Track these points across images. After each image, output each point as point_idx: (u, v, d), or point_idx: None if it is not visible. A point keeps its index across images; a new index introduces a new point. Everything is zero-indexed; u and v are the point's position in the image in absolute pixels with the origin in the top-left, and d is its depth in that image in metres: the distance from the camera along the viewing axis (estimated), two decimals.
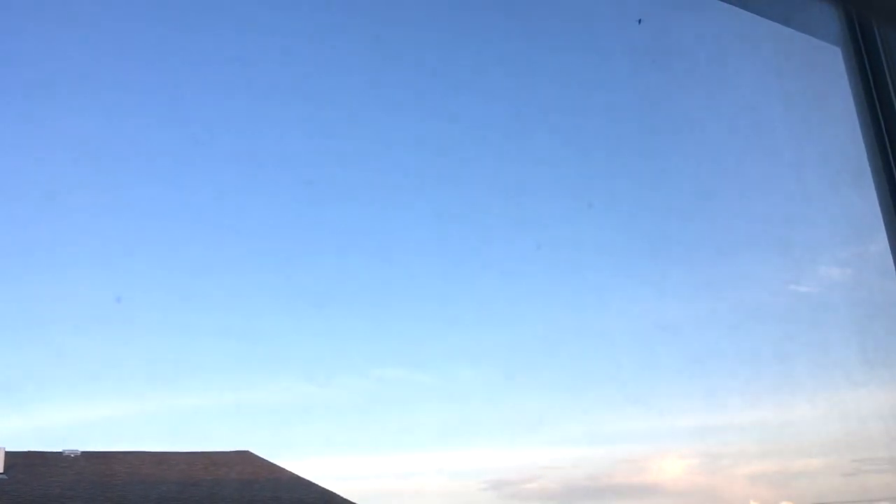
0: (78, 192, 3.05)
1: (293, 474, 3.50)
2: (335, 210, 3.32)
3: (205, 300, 3.23)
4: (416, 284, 3.39)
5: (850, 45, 1.46)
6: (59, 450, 3.23)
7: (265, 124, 3.32)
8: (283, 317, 3.28)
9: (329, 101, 3.27)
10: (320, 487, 3.44)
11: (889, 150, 1.43)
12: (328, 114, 3.29)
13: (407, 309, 3.33)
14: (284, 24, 3.17)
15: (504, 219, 3.18)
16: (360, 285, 3.36)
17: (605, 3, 2.42)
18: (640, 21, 2.10)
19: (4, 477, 3.07)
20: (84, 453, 3.26)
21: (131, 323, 3.05)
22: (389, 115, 3.21)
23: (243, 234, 3.31)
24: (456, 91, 3.17)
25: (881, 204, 1.45)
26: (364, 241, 3.37)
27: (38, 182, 2.94)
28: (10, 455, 3.16)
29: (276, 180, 3.33)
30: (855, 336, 1.63)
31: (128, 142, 3.03)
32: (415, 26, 3.08)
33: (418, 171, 3.30)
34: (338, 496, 3.39)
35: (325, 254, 3.38)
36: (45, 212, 3.02)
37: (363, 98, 3.26)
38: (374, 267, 3.37)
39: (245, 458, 3.60)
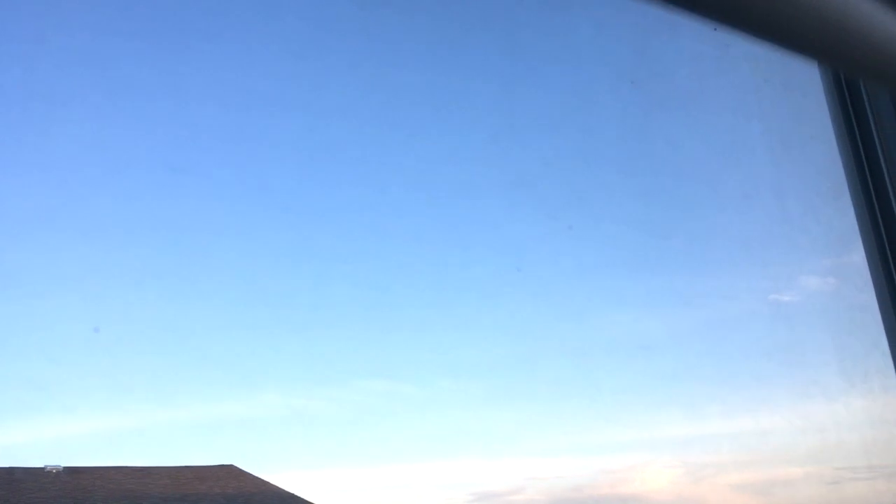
0: (57, 208, 3.03)
1: (277, 488, 3.48)
2: (318, 227, 3.33)
3: (188, 316, 3.22)
4: (398, 299, 3.40)
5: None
6: (42, 465, 3.20)
7: (250, 144, 3.32)
8: (266, 331, 3.27)
9: (310, 118, 3.27)
10: (304, 501, 3.42)
11: (866, 165, 1.46)
12: (311, 134, 3.29)
13: (389, 322, 3.34)
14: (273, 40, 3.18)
15: (486, 238, 3.19)
16: (342, 300, 3.36)
17: (587, 26, 2.45)
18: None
19: None
20: (66, 468, 3.22)
21: (114, 338, 3.03)
22: (371, 136, 3.23)
23: (227, 250, 3.31)
24: (435, 112, 3.19)
25: (858, 220, 1.48)
26: (348, 257, 3.38)
27: (19, 200, 2.92)
28: None
29: (259, 197, 3.34)
30: (833, 348, 1.65)
31: (105, 156, 3.02)
32: (395, 45, 3.10)
33: (402, 190, 3.31)
34: None
35: (308, 270, 3.38)
36: (21, 230, 3.00)
37: (342, 113, 3.27)
38: (356, 282, 3.37)
39: (229, 471, 3.57)
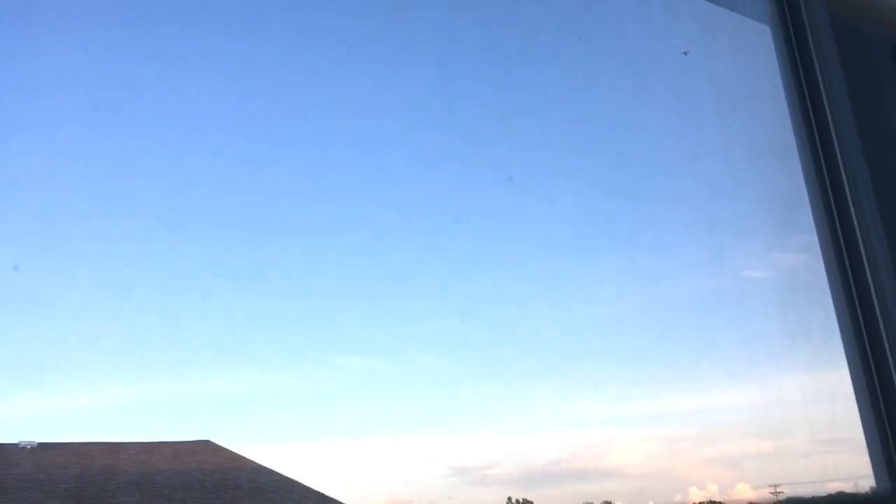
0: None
1: (254, 463, 3.49)
2: (288, 197, 3.31)
3: (162, 289, 3.22)
4: (373, 276, 3.39)
5: (779, 24, 1.49)
6: (15, 441, 3.20)
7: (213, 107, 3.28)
8: (241, 305, 3.27)
9: (240, 79, 3.19)
10: (282, 476, 3.43)
11: (815, 128, 1.46)
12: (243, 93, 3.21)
13: (363, 299, 3.33)
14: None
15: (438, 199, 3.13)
16: (315, 274, 3.36)
17: None
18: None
19: None
20: (41, 444, 3.23)
21: (87, 311, 3.03)
22: (311, 90, 3.14)
23: (200, 221, 3.29)
24: (375, 59, 3.11)
25: (806, 182, 1.48)
26: (317, 228, 3.37)
27: None
28: None
29: (228, 168, 3.31)
30: (789, 319, 1.65)
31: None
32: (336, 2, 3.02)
33: (352, 147, 3.23)
34: (299, 483, 3.39)
35: (281, 242, 3.38)
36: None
37: (275, 65, 3.17)
38: (328, 255, 3.37)
39: (205, 447, 3.58)
